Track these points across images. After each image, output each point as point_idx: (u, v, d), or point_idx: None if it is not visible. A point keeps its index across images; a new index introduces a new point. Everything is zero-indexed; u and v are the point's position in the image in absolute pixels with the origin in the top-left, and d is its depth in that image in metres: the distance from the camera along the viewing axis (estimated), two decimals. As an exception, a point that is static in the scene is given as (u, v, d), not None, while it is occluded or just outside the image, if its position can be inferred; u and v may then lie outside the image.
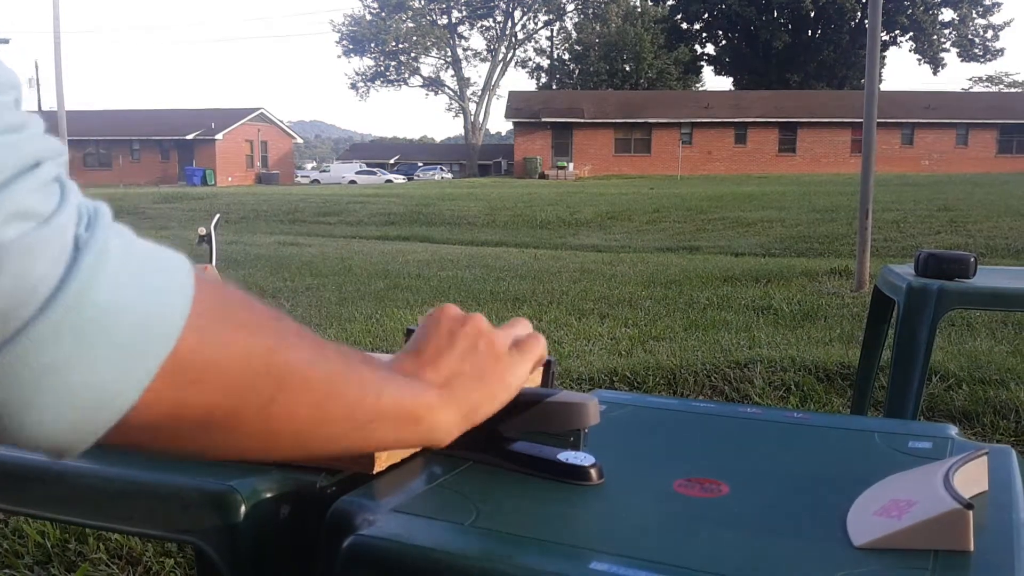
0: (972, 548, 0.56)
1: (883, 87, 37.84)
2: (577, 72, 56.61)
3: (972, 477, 0.65)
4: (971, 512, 0.56)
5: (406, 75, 57.36)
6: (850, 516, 0.61)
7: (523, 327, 0.69)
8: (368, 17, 55.17)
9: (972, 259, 1.93)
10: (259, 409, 0.45)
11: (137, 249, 0.39)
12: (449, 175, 49.16)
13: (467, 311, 0.66)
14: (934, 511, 0.56)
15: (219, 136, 42.28)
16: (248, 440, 0.46)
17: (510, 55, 59.08)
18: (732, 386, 3.38)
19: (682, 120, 39.84)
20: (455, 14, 57.97)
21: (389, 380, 0.56)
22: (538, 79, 60.06)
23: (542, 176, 37.76)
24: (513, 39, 59.00)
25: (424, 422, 0.58)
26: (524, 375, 0.66)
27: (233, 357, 0.42)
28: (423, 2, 56.44)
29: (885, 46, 48.76)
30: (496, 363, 0.64)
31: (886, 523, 0.57)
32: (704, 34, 52.03)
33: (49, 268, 0.34)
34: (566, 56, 59.08)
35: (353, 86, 57.21)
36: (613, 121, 40.19)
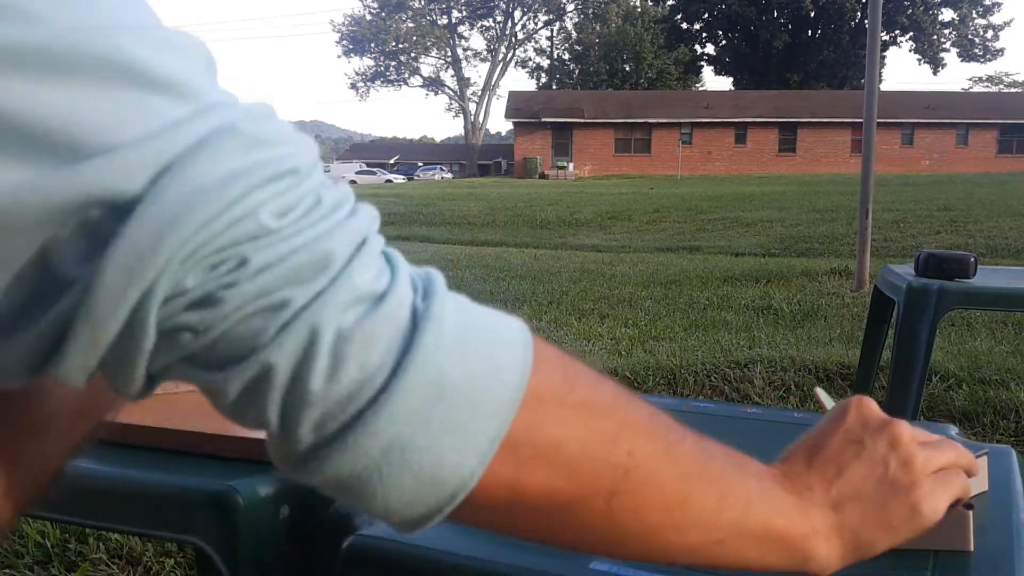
0: (972, 548, 0.56)
1: (883, 87, 37.87)
2: (577, 72, 56.61)
3: (973, 478, 0.65)
4: (971, 513, 0.55)
5: (406, 75, 57.38)
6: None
7: (952, 452, 0.54)
8: (368, 17, 55.18)
9: (972, 259, 1.94)
10: (602, 500, 0.41)
11: (474, 319, 0.39)
12: (449, 175, 49.16)
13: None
14: (934, 511, 0.56)
15: (219, 136, 42.25)
16: (591, 532, 0.43)
17: (510, 55, 59.12)
18: (732, 386, 3.37)
19: (682, 120, 39.83)
20: (455, 14, 57.99)
21: (763, 493, 0.47)
22: (538, 79, 60.10)
23: (542, 176, 37.75)
24: (513, 39, 59.04)
25: (799, 551, 0.48)
26: (939, 510, 0.52)
27: (571, 439, 0.40)
28: (423, 2, 56.44)
29: (885, 46, 48.76)
30: (909, 490, 0.51)
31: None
32: (704, 34, 52.03)
33: (389, 348, 0.35)
34: (566, 56, 59.10)
35: (353, 86, 57.22)
36: (613, 121, 40.18)
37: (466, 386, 0.36)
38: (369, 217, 0.38)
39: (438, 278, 0.39)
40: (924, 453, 0.52)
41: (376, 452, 0.35)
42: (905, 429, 0.52)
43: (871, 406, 0.54)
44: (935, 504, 0.51)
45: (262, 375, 0.34)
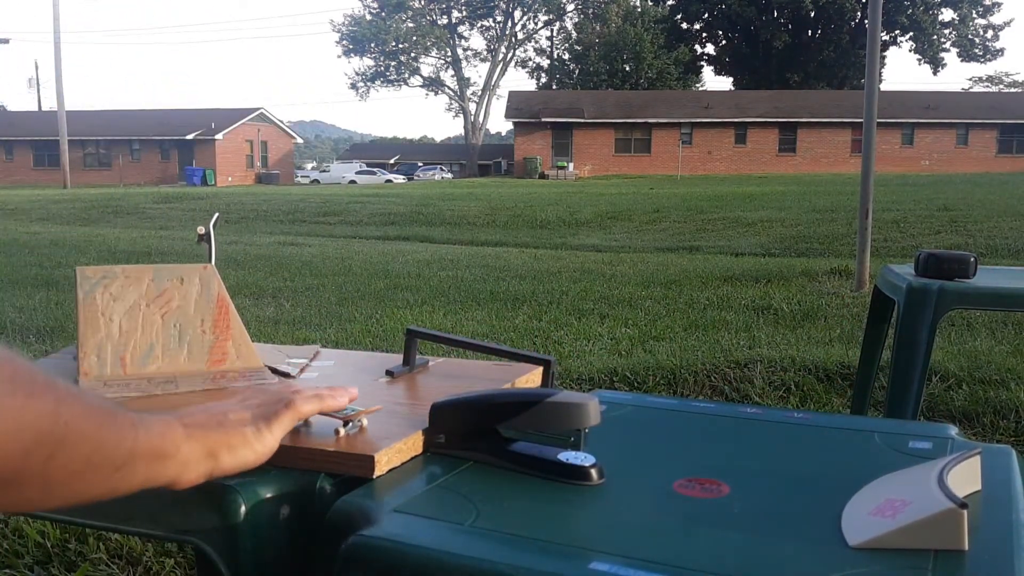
0: (967, 547, 0.56)
1: (883, 87, 37.83)
2: (577, 72, 56.58)
3: (965, 477, 0.65)
4: (966, 511, 0.56)
5: (406, 75, 57.35)
6: (845, 516, 0.61)
7: (268, 394, 0.76)
8: (368, 17, 55.16)
9: (972, 259, 1.94)
10: (39, 465, 0.49)
11: None
12: (449, 175, 49.15)
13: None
14: (929, 511, 0.57)
15: (219, 136, 42.26)
16: (26, 494, 0.50)
17: (510, 55, 59.09)
18: (732, 386, 3.38)
19: (682, 120, 39.82)
20: (455, 14, 57.96)
21: (143, 421, 0.60)
22: (538, 79, 60.07)
23: (542, 176, 37.74)
24: (513, 39, 59.02)
25: (169, 456, 0.62)
26: (270, 441, 0.70)
27: (15, 421, 0.46)
28: (423, 2, 56.43)
29: (885, 46, 48.74)
30: (239, 424, 0.69)
31: (881, 523, 0.57)
32: (704, 34, 52.03)
33: None
34: (566, 56, 59.07)
35: (353, 86, 57.19)
36: (613, 121, 40.17)
37: None
38: None
39: None
40: (255, 398, 0.74)
41: None
42: (261, 391, 0.78)
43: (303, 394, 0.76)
44: (262, 435, 0.69)
45: None
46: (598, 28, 55.51)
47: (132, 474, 0.59)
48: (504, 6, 57.10)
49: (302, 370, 1.07)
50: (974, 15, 48.11)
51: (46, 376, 0.51)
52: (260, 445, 0.69)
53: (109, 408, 0.57)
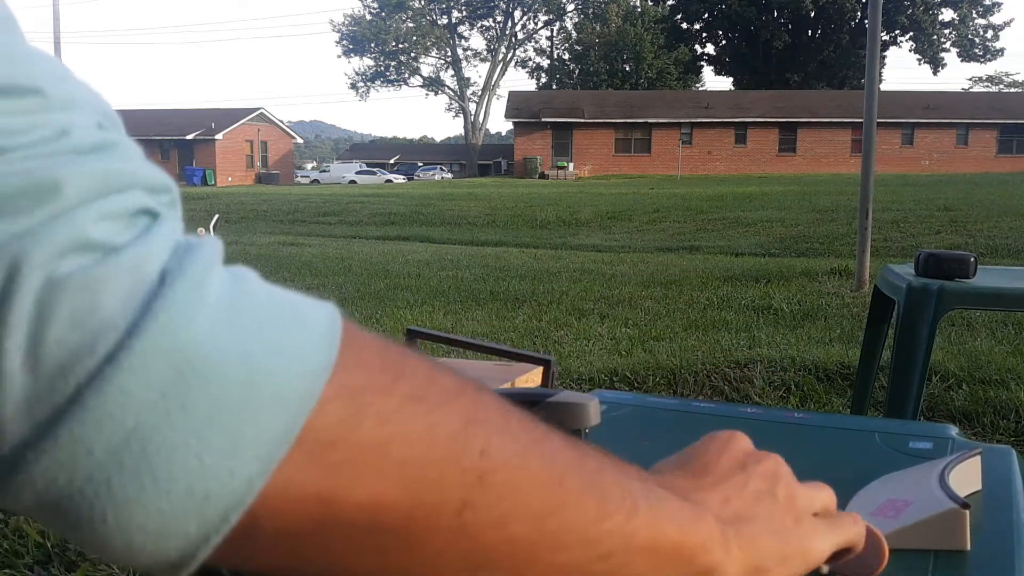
0: (968, 547, 0.56)
1: (883, 87, 37.82)
2: (577, 72, 56.60)
3: (966, 477, 0.65)
4: (968, 512, 0.56)
5: (406, 75, 57.37)
6: (848, 516, 0.61)
7: (827, 495, 0.50)
8: (368, 17, 55.18)
9: (972, 259, 1.94)
10: (451, 515, 0.31)
11: (256, 295, 0.29)
12: (449, 175, 49.16)
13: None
14: (931, 511, 0.56)
15: (219, 136, 42.28)
16: (441, 559, 0.32)
17: (510, 55, 59.11)
18: (732, 386, 3.38)
19: (682, 120, 39.82)
20: (455, 14, 57.99)
21: (651, 495, 0.39)
22: (538, 79, 60.08)
23: (542, 176, 37.74)
24: (513, 39, 59.03)
25: (697, 564, 0.40)
26: (825, 552, 0.47)
27: (403, 437, 0.30)
28: (423, 2, 56.44)
29: (885, 46, 48.75)
30: (796, 523, 0.46)
31: (882, 523, 0.57)
32: (704, 34, 52.02)
33: (120, 304, 0.26)
34: (566, 56, 59.09)
35: (353, 86, 57.21)
36: (613, 121, 40.17)
37: (237, 365, 0.27)
38: (149, 177, 0.29)
39: (212, 245, 0.29)
40: (804, 491, 0.49)
41: (101, 451, 0.25)
42: (784, 464, 0.49)
43: (747, 440, 0.51)
44: (822, 544, 0.47)
45: None
46: (598, 28, 55.52)
47: (624, 570, 0.37)
48: (504, 6, 57.11)
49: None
50: (974, 15, 48.12)
51: (475, 391, 0.34)
52: (813, 553, 0.46)
53: (586, 461, 0.37)
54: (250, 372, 0.27)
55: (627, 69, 54.27)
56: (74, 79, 0.30)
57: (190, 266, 0.27)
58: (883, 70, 49.14)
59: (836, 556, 0.49)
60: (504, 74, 59.67)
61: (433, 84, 58.60)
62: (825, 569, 0.49)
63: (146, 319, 0.26)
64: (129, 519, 0.26)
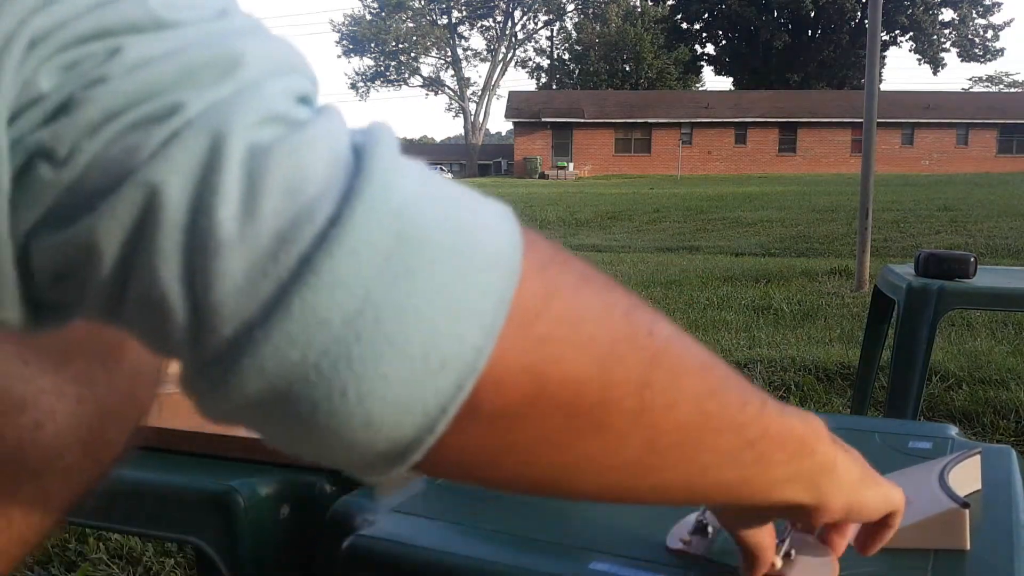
0: (968, 547, 0.56)
1: (883, 87, 37.87)
2: (577, 72, 56.60)
3: (966, 476, 0.65)
4: (967, 511, 0.56)
5: (406, 75, 57.37)
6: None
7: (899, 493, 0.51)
8: (368, 17, 55.19)
9: (972, 259, 1.94)
10: (634, 394, 0.31)
11: (436, 178, 0.28)
12: (449, 175, 49.03)
13: None
14: (931, 511, 0.56)
15: (219, 136, 42.31)
16: (625, 445, 0.32)
17: (510, 55, 59.11)
18: (732, 386, 3.38)
19: (682, 120, 39.83)
20: (455, 14, 57.98)
21: (768, 399, 0.40)
22: (538, 79, 60.08)
23: (542, 176, 37.75)
24: (513, 39, 59.04)
25: (817, 458, 0.42)
26: (897, 502, 0.49)
27: (589, 311, 0.30)
28: (423, 2, 56.44)
29: (885, 46, 48.76)
30: (878, 483, 0.48)
31: (885, 523, 0.57)
32: (704, 34, 52.03)
33: (328, 170, 0.25)
34: (566, 56, 59.09)
35: (353, 86, 57.21)
36: (613, 121, 40.18)
37: (449, 232, 0.26)
38: (306, 65, 0.29)
39: (389, 131, 0.29)
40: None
41: (338, 320, 0.24)
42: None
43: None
44: (893, 496, 0.49)
45: (145, 207, 0.23)
46: (598, 28, 55.53)
47: (769, 462, 0.39)
48: (504, 6, 57.11)
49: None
50: (974, 15, 48.13)
51: (606, 276, 0.33)
52: (893, 496, 0.48)
53: (715, 357, 0.37)
54: (461, 239, 0.26)
55: (627, 69, 54.27)
56: None
57: (381, 139, 0.27)
58: (883, 70, 49.19)
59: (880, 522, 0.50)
60: (504, 74, 59.67)
61: (433, 84, 58.61)
62: (779, 563, 0.51)
63: (359, 182, 0.25)
64: (371, 391, 0.24)
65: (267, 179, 0.24)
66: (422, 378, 0.25)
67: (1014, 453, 0.77)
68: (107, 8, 0.24)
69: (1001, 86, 65.18)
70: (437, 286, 0.25)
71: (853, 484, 0.45)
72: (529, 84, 68.46)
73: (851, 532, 0.52)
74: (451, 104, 63.30)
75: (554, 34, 60.30)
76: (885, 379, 2.36)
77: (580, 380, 0.29)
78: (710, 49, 53.56)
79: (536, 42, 73.76)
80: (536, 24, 60.10)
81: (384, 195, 0.25)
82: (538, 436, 0.29)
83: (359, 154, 0.26)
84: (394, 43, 54.96)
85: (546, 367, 0.28)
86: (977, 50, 48.98)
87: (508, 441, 0.29)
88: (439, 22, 57.38)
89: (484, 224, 0.27)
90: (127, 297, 0.24)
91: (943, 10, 48.19)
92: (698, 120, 39.88)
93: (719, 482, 0.37)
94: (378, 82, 57.01)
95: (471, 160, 52.15)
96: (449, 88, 58.75)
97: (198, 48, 0.25)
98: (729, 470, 0.37)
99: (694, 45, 52.72)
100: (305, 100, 0.28)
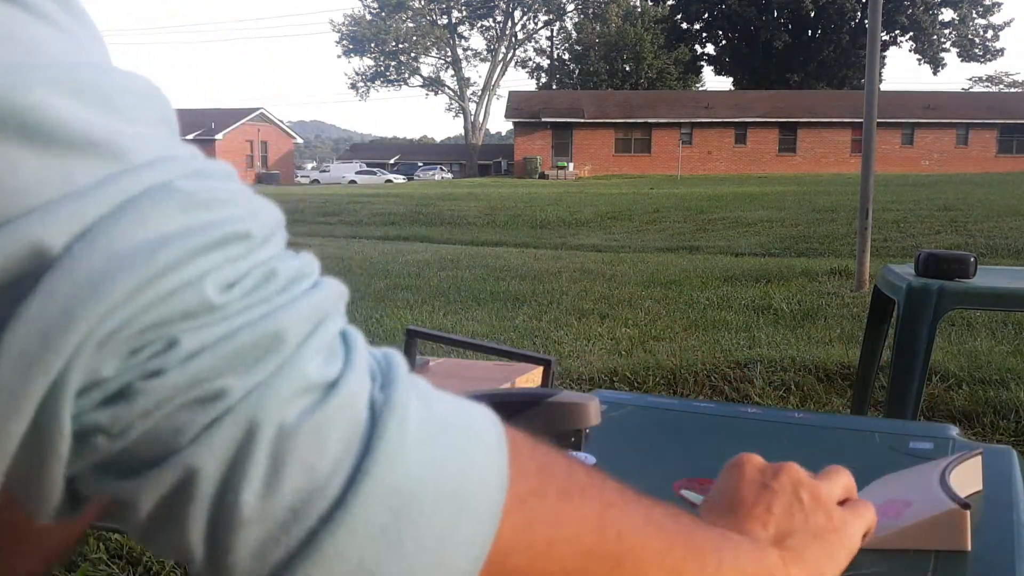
0: (969, 548, 0.56)
1: (883, 87, 37.84)
2: (577, 72, 56.59)
3: (967, 477, 0.65)
4: (968, 512, 0.56)
5: (406, 75, 57.36)
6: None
7: (845, 479, 0.56)
8: (368, 17, 55.17)
9: (972, 259, 1.94)
10: None
11: (439, 410, 0.32)
12: (449, 175, 49.16)
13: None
14: (932, 511, 0.56)
15: (219, 136, 42.26)
16: None
17: (510, 55, 59.10)
18: (732, 386, 3.37)
19: (682, 120, 39.81)
20: (455, 14, 57.98)
21: (728, 544, 0.45)
22: (538, 79, 60.08)
23: (542, 176, 37.73)
24: (513, 39, 59.03)
25: None
26: (857, 539, 0.52)
27: (562, 535, 0.34)
28: (423, 2, 56.44)
29: (885, 46, 48.76)
30: (829, 519, 0.51)
31: (884, 523, 0.57)
32: (704, 34, 52.01)
33: (344, 445, 0.28)
34: (566, 56, 59.09)
35: (353, 86, 57.20)
36: (613, 121, 40.17)
37: (441, 492, 0.29)
38: (335, 292, 0.32)
39: (398, 362, 0.32)
40: (825, 486, 0.53)
41: None
42: (797, 468, 0.54)
43: (758, 458, 0.55)
44: (855, 531, 0.52)
45: (183, 483, 0.27)
46: (598, 28, 55.52)
47: None
48: (504, 6, 57.11)
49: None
50: (974, 15, 48.12)
51: (596, 478, 0.38)
52: (850, 540, 0.52)
53: (680, 523, 0.42)
54: (452, 495, 0.30)
55: (627, 69, 54.26)
56: (248, 193, 0.31)
57: (393, 396, 0.30)
58: (883, 70, 49.14)
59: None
60: (504, 74, 59.68)
61: (433, 84, 58.61)
62: None
63: (367, 461, 0.28)
64: None
65: (289, 460, 0.27)
66: None
67: (1015, 454, 0.77)
68: (168, 302, 0.26)
69: (1001, 86, 65.17)
70: (427, 549, 0.29)
71: None
72: (529, 84, 68.50)
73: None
74: (451, 104, 63.30)
75: (554, 34, 60.32)
76: (885, 379, 2.35)
77: None
78: (710, 49, 53.58)
79: (536, 42, 73.85)
80: (536, 24, 60.13)
81: (388, 472, 0.28)
82: None
83: (375, 421, 0.29)
84: (394, 43, 54.95)
85: None
86: (977, 50, 48.97)
87: None
88: (439, 22, 57.37)
89: (475, 468, 0.31)
90: (156, 537, 0.28)
91: (943, 10, 48.18)
92: (698, 120, 39.86)
93: None
94: (378, 82, 57.00)
95: (471, 160, 52.13)
96: (449, 88, 58.76)
97: (243, 333, 0.27)
98: None
99: (694, 45, 52.70)
100: (339, 339, 0.31)
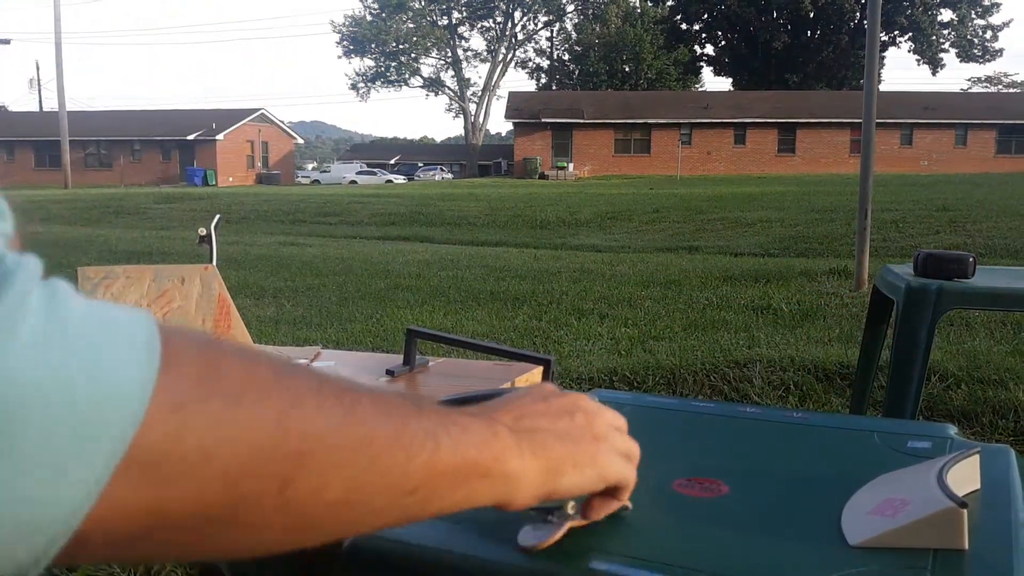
0: (966, 546, 0.56)
1: (882, 87, 37.85)
2: (577, 73, 56.57)
3: (964, 476, 0.65)
4: (965, 511, 0.56)
5: (406, 76, 57.33)
6: (844, 515, 0.62)
7: (619, 417, 0.59)
8: (368, 18, 55.14)
9: (971, 259, 1.94)
10: (274, 495, 0.34)
11: (73, 313, 0.29)
12: (449, 175, 49.15)
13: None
14: (928, 510, 0.57)
15: (220, 136, 42.26)
16: (262, 532, 0.36)
17: (510, 56, 59.09)
18: (732, 386, 3.38)
19: (681, 120, 39.82)
20: (455, 15, 57.97)
21: (446, 421, 0.45)
22: (538, 79, 60.07)
23: (542, 176, 37.73)
24: (513, 40, 59.02)
25: (493, 475, 0.47)
26: (618, 468, 0.56)
27: (225, 442, 0.32)
28: (423, 3, 56.42)
29: (884, 46, 48.75)
30: (594, 441, 0.54)
31: (881, 522, 0.57)
32: (703, 35, 52.05)
33: None
34: (566, 57, 59.08)
35: (353, 86, 57.18)
36: (613, 121, 40.17)
37: (57, 397, 0.27)
38: None
39: (29, 263, 0.29)
40: (605, 416, 0.57)
41: None
42: (586, 398, 0.58)
43: (551, 385, 0.59)
44: (614, 458, 0.56)
45: None
46: (598, 29, 55.50)
47: (435, 498, 0.43)
48: (504, 7, 57.10)
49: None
50: (973, 15, 48.13)
51: (289, 377, 0.37)
52: (608, 467, 0.55)
53: (392, 412, 0.41)
54: (72, 401, 0.27)
55: (627, 70, 54.24)
56: None
57: (3, 292, 0.27)
58: (882, 70, 49.20)
59: (606, 492, 0.57)
60: (504, 75, 59.68)
61: (433, 85, 58.59)
62: (571, 509, 0.57)
63: None
64: None
65: None
66: (11, 540, 0.27)
67: (1013, 452, 0.77)
68: None
69: (1000, 86, 65.16)
70: (34, 457, 0.27)
71: (538, 483, 0.50)
72: (529, 85, 68.49)
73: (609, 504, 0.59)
74: (451, 105, 63.29)
75: (554, 35, 60.32)
76: (884, 379, 2.36)
77: (206, 504, 0.32)
78: (709, 50, 53.60)
79: (536, 43, 73.84)
80: (536, 25, 60.12)
81: None
82: (165, 543, 0.33)
83: None
84: (394, 44, 54.93)
85: (167, 503, 0.31)
86: (976, 50, 48.97)
87: (133, 550, 0.32)
88: (439, 23, 57.35)
89: (109, 373, 0.29)
90: None
91: (942, 10, 48.19)
92: (697, 120, 39.87)
93: (379, 523, 0.42)
94: (378, 83, 56.98)
95: (471, 160, 52.12)
96: (449, 89, 58.75)
97: None
98: (389, 515, 0.42)
99: (693, 46, 52.72)
100: None
